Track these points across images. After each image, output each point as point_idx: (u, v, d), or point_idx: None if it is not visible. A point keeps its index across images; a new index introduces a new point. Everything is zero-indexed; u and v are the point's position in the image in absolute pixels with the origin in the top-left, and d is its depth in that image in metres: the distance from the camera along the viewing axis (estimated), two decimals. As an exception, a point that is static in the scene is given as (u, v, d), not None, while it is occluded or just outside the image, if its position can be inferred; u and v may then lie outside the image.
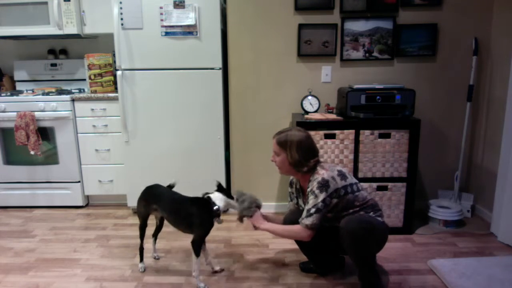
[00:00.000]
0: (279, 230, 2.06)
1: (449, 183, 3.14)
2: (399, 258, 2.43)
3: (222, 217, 2.17)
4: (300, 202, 2.21)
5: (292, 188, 2.27)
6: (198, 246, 2.10)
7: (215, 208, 2.10)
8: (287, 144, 2.02)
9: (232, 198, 2.18)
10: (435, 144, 3.10)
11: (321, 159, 2.22)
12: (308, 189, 2.00)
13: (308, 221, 1.94)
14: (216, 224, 2.13)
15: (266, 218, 2.20)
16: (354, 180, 2.04)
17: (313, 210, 1.93)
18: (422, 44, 2.93)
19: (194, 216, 2.08)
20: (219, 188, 2.18)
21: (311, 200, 1.95)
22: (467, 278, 2.15)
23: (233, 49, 2.98)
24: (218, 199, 2.14)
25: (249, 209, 2.10)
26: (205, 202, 2.12)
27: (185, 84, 2.94)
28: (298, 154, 2.00)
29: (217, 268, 2.31)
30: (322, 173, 1.96)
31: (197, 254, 2.10)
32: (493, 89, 2.90)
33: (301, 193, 2.19)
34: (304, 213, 1.97)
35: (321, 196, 1.93)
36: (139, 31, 2.86)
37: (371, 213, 2.01)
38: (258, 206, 2.13)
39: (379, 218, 2.02)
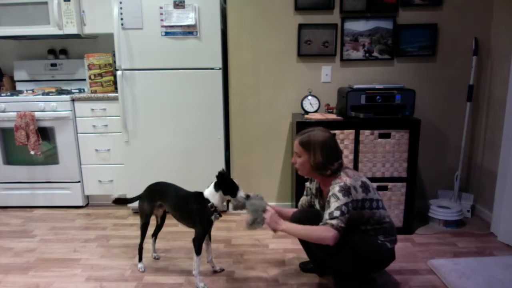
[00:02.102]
0: (300, 230, 1.88)
1: (449, 183, 3.14)
2: (399, 258, 2.43)
3: (223, 216, 2.11)
4: (316, 202, 2.14)
5: (311, 184, 2.17)
6: (198, 243, 2.08)
7: (209, 204, 2.06)
8: (311, 145, 1.91)
9: (231, 192, 2.05)
10: (435, 144, 3.10)
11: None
12: (330, 193, 1.87)
13: (332, 222, 1.80)
14: (216, 224, 2.12)
15: (282, 214, 2.11)
16: (376, 197, 1.93)
17: (336, 213, 1.80)
18: (422, 44, 2.93)
19: (194, 212, 2.07)
20: (216, 182, 2.07)
21: (333, 203, 1.82)
22: (467, 278, 2.15)
23: (233, 49, 2.98)
24: (210, 195, 2.07)
25: (256, 224, 1.94)
26: (202, 197, 2.09)
27: (185, 84, 2.94)
28: (322, 156, 1.89)
29: (217, 268, 2.31)
30: (345, 179, 1.86)
31: (198, 252, 2.09)
32: (493, 89, 2.90)
33: (319, 194, 2.10)
34: (327, 216, 1.83)
35: (344, 200, 1.81)
36: (139, 31, 2.86)
37: (381, 236, 1.92)
38: (264, 210, 1.97)
39: (388, 244, 1.93)
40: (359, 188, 1.87)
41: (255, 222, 1.94)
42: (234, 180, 2.09)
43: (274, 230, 1.95)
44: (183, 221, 2.16)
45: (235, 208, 2.08)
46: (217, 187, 2.07)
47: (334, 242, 1.79)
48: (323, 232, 1.79)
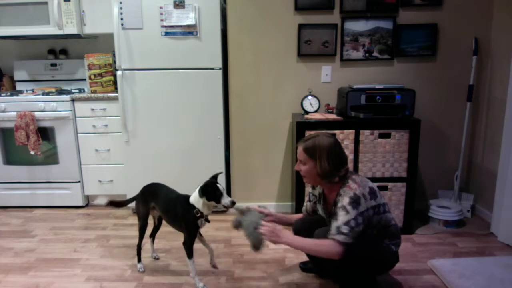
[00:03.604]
0: (305, 244, 1.81)
1: (449, 183, 3.14)
2: (399, 258, 2.42)
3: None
4: (319, 207, 2.09)
5: (314, 190, 2.11)
6: (188, 247, 2.07)
7: (194, 210, 2.01)
8: (316, 152, 1.83)
9: (214, 198, 1.98)
10: (435, 144, 3.10)
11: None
12: (338, 204, 1.82)
13: (340, 237, 1.76)
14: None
15: (282, 220, 2.10)
16: (383, 201, 1.89)
17: (344, 228, 1.75)
18: (422, 44, 2.93)
19: (179, 216, 2.06)
20: (201, 189, 1.99)
21: (342, 217, 1.77)
22: (467, 278, 2.15)
23: (233, 49, 2.98)
24: (195, 201, 2.02)
25: (257, 247, 1.83)
26: (188, 202, 2.05)
27: (185, 84, 2.94)
28: (329, 164, 1.81)
29: (217, 265, 2.30)
30: (354, 188, 1.80)
31: (189, 256, 2.08)
32: (493, 89, 2.90)
33: (323, 199, 2.04)
34: (334, 230, 1.78)
35: (353, 213, 1.76)
36: (139, 31, 2.86)
37: (386, 239, 1.90)
38: (256, 227, 1.85)
39: (393, 247, 1.91)
40: (368, 196, 1.81)
41: (256, 245, 1.83)
42: (218, 185, 2.01)
43: (275, 243, 1.87)
44: (172, 224, 2.15)
45: (236, 227, 1.97)
46: (201, 193, 2.00)
47: (340, 257, 1.77)
48: (330, 248, 1.76)
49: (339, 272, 1.94)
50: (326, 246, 1.77)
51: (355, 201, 1.77)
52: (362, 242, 1.86)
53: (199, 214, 2.02)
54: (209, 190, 1.99)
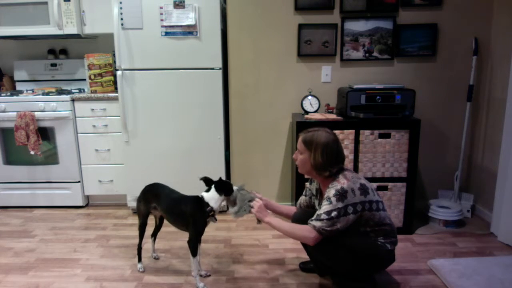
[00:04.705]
0: (284, 226, 1.94)
1: (449, 183, 3.14)
2: (399, 258, 2.43)
3: (221, 217, 2.13)
4: (316, 202, 2.14)
5: (311, 185, 2.18)
6: (193, 245, 2.09)
7: (208, 208, 2.06)
8: (312, 145, 1.91)
9: (231, 191, 2.11)
10: (435, 144, 3.10)
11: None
12: (325, 195, 1.90)
13: (316, 223, 1.85)
14: (216, 224, 2.12)
15: (272, 207, 2.18)
16: (376, 198, 1.92)
17: (324, 216, 1.83)
18: (422, 44, 2.93)
19: (187, 215, 2.07)
20: (218, 186, 2.09)
21: (325, 206, 1.85)
22: (467, 278, 2.15)
23: (233, 49, 2.98)
24: (212, 199, 2.07)
25: (241, 211, 2.05)
26: (199, 201, 2.09)
27: (185, 84, 2.95)
28: (322, 158, 1.89)
29: (202, 273, 2.27)
30: (343, 182, 1.86)
31: (193, 254, 2.09)
32: (493, 89, 2.90)
33: (319, 194, 2.10)
34: (314, 217, 1.88)
35: (336, 205, 1.82)
36: (139, 31, 2.86)
37: (381, 237, 1.92)
38: (250, 200, 2.07)
39: (388, 246, 1.93)
40: (357, 191, 1.86)
41: (240, 210, 2.05)
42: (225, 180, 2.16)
43: (259, 221, 2.04)
44: (175, 224, 2.16)
45: (231, 203, 2.11)
46: (221, 191, 2.08)
47: (313, 243, 1.87)
48: (305, 232, 1.87)
49: (335, 270, 1.95)
50: (302, 230, 1.89)
51: (341, 194, 1.83)
52: (354, 237, 1.90)
53: (212, 213, 2.07)
54: (228, 186, 2.10)
